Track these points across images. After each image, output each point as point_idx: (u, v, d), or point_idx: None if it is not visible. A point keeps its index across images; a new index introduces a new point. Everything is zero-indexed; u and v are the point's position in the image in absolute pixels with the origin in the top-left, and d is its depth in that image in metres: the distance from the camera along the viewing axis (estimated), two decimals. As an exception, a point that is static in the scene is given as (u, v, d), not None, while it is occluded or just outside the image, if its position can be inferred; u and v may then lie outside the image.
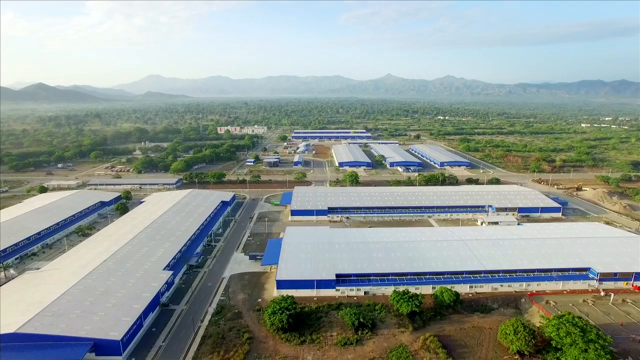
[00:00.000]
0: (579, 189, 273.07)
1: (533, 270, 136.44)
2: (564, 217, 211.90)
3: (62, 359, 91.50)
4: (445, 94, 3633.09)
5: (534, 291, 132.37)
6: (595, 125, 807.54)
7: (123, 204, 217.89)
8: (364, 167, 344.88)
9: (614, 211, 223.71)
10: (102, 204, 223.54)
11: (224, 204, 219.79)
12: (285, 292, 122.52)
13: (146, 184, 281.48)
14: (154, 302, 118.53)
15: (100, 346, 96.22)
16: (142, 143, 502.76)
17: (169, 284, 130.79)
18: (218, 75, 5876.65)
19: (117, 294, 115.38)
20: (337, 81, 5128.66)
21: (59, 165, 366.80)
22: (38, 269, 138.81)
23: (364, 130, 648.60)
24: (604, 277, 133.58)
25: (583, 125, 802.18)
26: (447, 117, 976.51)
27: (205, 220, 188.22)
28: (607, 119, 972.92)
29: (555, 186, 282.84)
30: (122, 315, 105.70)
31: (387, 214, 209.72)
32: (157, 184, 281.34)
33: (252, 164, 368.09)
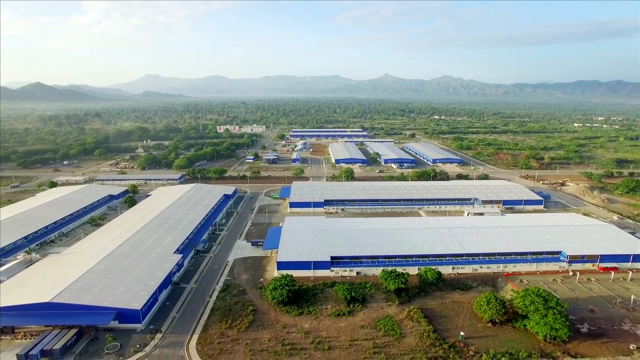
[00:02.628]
0: (562, 184, 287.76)
1: (510, 254, 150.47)
2: (545, 209, 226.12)
3: (91, 324, 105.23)
4: (442, 94, 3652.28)
5: (510, 272, 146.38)
6: (588, 124, 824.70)
7: (131, 197, 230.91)
8: (360, 164, 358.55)
9: (592, 204, 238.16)
10: (111, 197, 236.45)
11: (227, 197, 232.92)
12: (285, 272, 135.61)
13: (151, 179, 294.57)
14: (167, 280, 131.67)
15: (122, 315, 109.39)
16: (144, 141, 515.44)
17: (179, 265, 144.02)
18: (216, 74, 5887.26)
19: (134, 273, 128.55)
20: (335, 81, 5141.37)
21: (65, 162, 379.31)
22: (58, 253, 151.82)
23: (361, 129, 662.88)
24: (573, 259, 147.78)
25: (575, 124, 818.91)
26: (442, 117, 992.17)
27: (210, 211, 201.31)
28: (599, 118, 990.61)
29: (541, 182, 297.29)
30: (140, 289, 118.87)
31: (380, 206, 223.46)
32: (162, 179, 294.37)
33: (251, 161, 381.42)
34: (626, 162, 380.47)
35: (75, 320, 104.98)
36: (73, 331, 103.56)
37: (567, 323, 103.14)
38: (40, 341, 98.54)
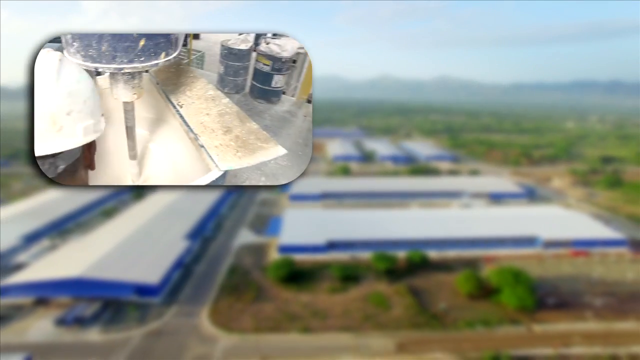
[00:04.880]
0: (548, 180, 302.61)
1: (491, 239, 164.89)
2: (529, 202, 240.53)
3: (114, 295, 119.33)
4: (440, 94, 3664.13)
5: (490, 255, 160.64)
6: (581, 123, 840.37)
7: (139, 191, 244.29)
8: (356, 161, 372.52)
9: (574, 197, 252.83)
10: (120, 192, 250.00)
11: (230, 191, 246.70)
12: (286, 256, 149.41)
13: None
14: (178, 262, 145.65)
15: (141, 289, 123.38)
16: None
17: (188, 250, 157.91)
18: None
19: (148, 255, 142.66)
20: (334, 81, 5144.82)
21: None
22: (77, 239, 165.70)
23: (358, 128, 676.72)
24: (548, 243, 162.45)
25: (569, 124, 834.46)
26: (439, 117, 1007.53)
27: (215, 202, 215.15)
28: (593, 117, 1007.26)
29: (528, 177, 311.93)
30: (154, 268, 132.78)
31: (374, 199, 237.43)
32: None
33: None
34: (612, 160, 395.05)
35: (100, 293, 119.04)
36: (99, 303, 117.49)
37: (534, 295, 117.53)
38: (72, 310, 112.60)
